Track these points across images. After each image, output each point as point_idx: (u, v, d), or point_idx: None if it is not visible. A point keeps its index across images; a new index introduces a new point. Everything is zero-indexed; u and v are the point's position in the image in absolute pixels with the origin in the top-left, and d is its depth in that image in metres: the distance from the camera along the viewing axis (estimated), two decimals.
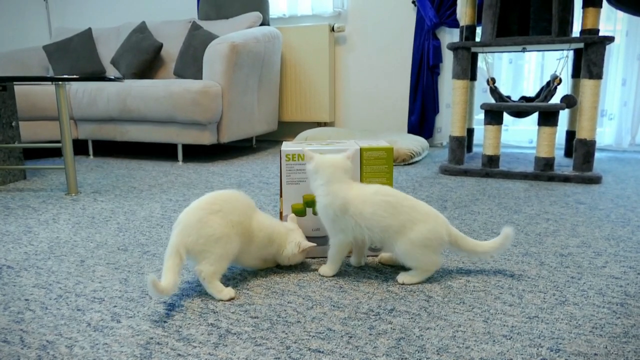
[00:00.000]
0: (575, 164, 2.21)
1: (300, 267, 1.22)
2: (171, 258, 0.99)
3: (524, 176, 2.24)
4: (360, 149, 1.23)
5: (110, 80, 2.06)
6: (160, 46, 3.30)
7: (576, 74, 2.55)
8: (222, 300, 1.03)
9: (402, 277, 1.12)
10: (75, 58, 3.48)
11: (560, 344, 0.85)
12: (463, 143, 2.41)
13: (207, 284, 1.04)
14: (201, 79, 2.93)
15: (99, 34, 3.67)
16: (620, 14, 2.92)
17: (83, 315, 0.98)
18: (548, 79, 2.33)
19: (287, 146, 1.26)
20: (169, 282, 0.95)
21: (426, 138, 3.29)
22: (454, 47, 2.34)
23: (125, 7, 4.09)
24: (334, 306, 1.01)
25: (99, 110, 2.91)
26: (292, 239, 1.16)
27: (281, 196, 1.25)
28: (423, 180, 2.25)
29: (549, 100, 2.25)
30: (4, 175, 2.29)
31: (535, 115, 2.70)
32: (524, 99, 2.39)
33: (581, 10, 2.22)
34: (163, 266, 0.99)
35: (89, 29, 3.60)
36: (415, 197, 1.17)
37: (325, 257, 1.19)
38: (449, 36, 3.24)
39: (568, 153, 2.66)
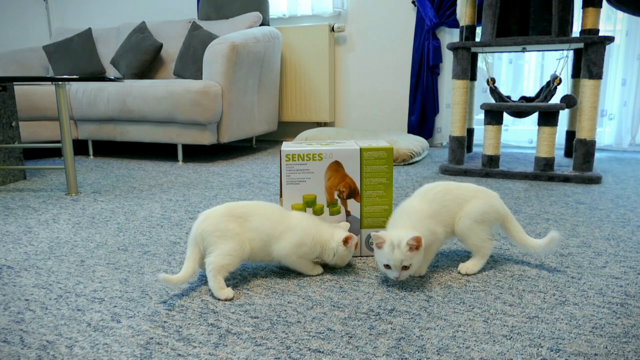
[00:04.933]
0: (575, 164, 2.21)
1: None
2: (190, 247, 1.09)
3: (524, 176, 2.24)
4: (360, 149, 1.23)
5: (110, 80, 2.06)
6: (160, 46, 3.30)
7: (576, 74, 2.55)
8: (218, 299, 1.04)
9: (464, 268, 1.17)
10: (75, 58, 3.48)
11: (560, 344, 0.85)
12: (463, 143, 2.41)
13: (213, 277, 1.06)
14: (201, 79, 2.93)
15: (99, 34, 3.67)
16: (620, 14, 2.92)
17: (83, 315, 0.98)
18: (548, 79, 2.33)
19: (287, 146, 1.26)
20: (186, 271, 1.04)
21: (426, 138, 3.29)
22: (454, 47, 2.34)
23: (125, 7, 4.09)
24: (334, 306, 1.01)
25: (99, 111, 2.91)
26: (339, 234, 1.15)
27: (281, 196, 1.25)
28: (423, 180, 2.25)
29: (549, 100, 2.25)
30: (4, 175, 2.29)
31: (535, 115, 2.70)
32: (524, 99, 2.39)
33: (581, 10, 2.22)
34: (186, 255, 1.09)
35: (89, 29, 3.60)
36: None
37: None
38: (449, 36, 3.23)
39: (568, 153, 2.66)
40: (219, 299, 1.04)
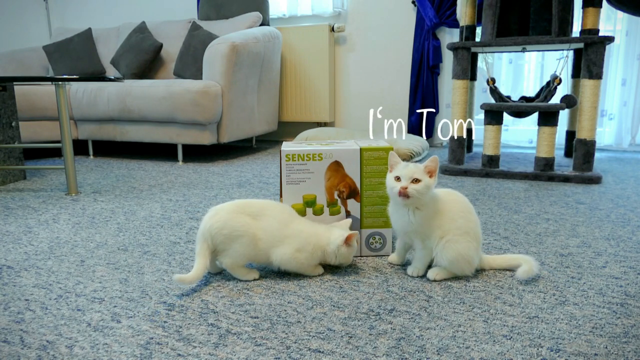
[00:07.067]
0: (575, 164, 2.21)
1: None
2: (199, 243, 1.11)
3: (524, 176, 2.24)
4: (360, 149, 1.23)
5: (110, 80, 2.06)
6: (160, 46, 3.30)
7: (576, 74, 2.55)
8: (247, 281, 1.13)
9: (432, 274, 1.13)
10: (75, 58, 3.48)
11: (560, 344, 0.85)
12: (463, 143, 2.41)
13: (231, 271, 1.14)
14: (201, 79, 2.93)
15: (99, 34, 3.67)
16: (620, 14, 2.92)
17: (83, 315, 0.98)
18: (548, 79, 2.33)
19: (287, 146, 1.26)
20: (198, 268, 1.07)
21: (426, 138, 3.29)
22: (454, 47, 2.34)
23: (125, 7, 4.09)
24: (334, 306, 1.01)
25: (99, 111, 2.91)
26: (336, 235, 1.15)
27: (281, 196, 1.25)
28: None
29: (549, 100, 2.25)
30: (4, 175, 2.29)
31: (535, 115, 2.70)
32: (524, 99, 2.39)
33: (581, 10, 2.22)
34: (195, 251, 1.11)
35: (89, 29, 3.60)
36: None
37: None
38: (449, 36, 3.23)
39: (568, 153, 2.66)
40: (247, 281, 1.13)
